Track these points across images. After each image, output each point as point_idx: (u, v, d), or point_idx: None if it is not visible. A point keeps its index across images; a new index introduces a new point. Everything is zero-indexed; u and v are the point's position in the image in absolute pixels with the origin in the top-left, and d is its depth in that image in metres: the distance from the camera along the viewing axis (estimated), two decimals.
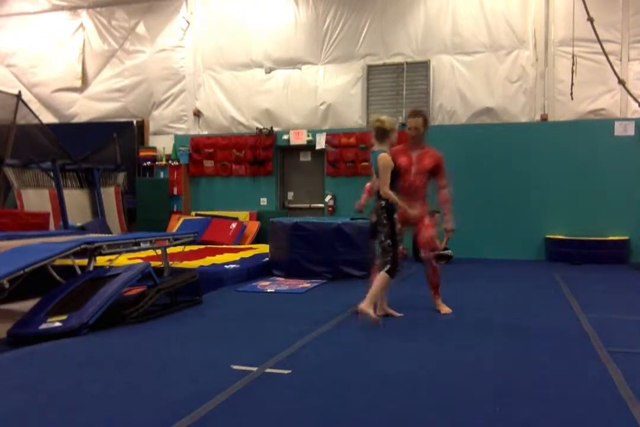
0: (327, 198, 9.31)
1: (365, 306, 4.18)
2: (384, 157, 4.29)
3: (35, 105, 10.07)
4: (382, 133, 4.32)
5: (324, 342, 3.64)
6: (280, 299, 5.21)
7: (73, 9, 10.62)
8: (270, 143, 9.57)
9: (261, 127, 9.59)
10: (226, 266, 6.13)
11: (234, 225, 8.92)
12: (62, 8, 10.67)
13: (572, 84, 7.90)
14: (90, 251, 4.90)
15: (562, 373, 3.00)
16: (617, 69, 7.87)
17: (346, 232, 6.39)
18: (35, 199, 8.17)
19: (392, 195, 4.26)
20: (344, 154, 9.17)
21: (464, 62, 8.82)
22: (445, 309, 4.53)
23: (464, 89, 8.81)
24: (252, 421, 2.38)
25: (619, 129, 8.15)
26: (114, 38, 10.42)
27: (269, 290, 5.65)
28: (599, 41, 7.65)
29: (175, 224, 9.16)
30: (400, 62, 9.06)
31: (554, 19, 8.51)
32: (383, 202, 4.28)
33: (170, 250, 6.14)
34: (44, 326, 3.87)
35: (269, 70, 9.67)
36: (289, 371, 2.99)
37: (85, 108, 10.57)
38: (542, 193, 8.40)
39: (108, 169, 9.51)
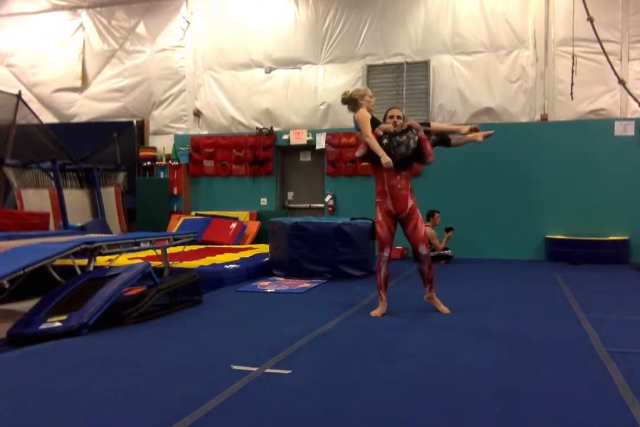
0: (327, 198, 9.31)
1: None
2: (359, 111, 4.55)
3: (35, 105, 10.08)
4: (351, 103, 4.64)
5: (324, 342, 3.64)
6: (280, 299, 5.21)
7: (73, 9, 10.63)
8: (270, 143, 9.57)
9: (261, 127, 9.59)
10: (226, 266, 6.13)
11: (234, 225, 8.93)
12: (62, 8, 10.68)
13: (572, 84, 7.89)
14: (90, 251, 4.90)
15: (562, 373, 3.00)
16: (617, 69, 7.86)
17: (346, 232, 6.39)
18: (35, 199, 8.17)
19: (373, 139, 4.40)
20: (344, 154, 9.17)
21: (464, 62, 8.82)
22: (443, 308, 4.52)
23: (464, 89, 8.81)
24: (252, 421, 2.38)
25: (619, 129, 8.15)
26: (114, 38, 10.43)
27: (268, 290, 5.65)
28: (599, 41, 7.64)
29: (175, 224, 9.16)
30: (400, 62, 9.06)
31: (554, 19, 8.51)
32: None
33: (170, 250, 6.14)
34: (44, 326, 3.86)
35: (269, 70, 9.67)
36: (289, 371, 2.99)
37: (85, 108, 10.57)
38: (542, 193, 8.41)
39: (108, 169, 9.51)
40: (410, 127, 4.49)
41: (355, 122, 4.60)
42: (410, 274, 6.57)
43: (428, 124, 4.69)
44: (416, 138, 4.46)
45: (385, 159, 4.30)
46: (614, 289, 5.89)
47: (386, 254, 4.50)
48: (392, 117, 4.54)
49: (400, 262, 7.85)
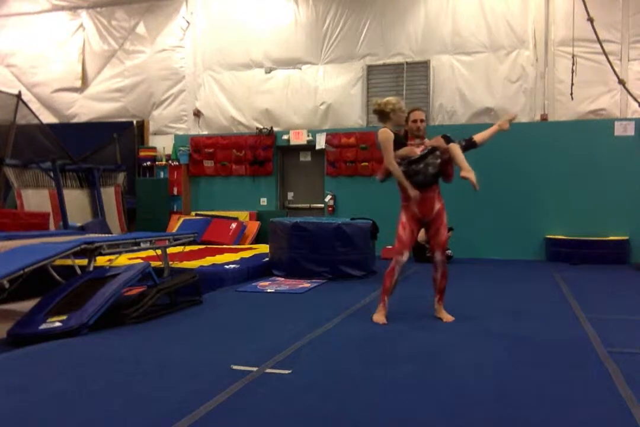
0: (327, 198, 9.31)
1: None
2: (382, 131, 4.27)
3: (35, 105, 10.08)
4: (381, 115, 4.37)
5: (324, 342, 3.64)
6: (280, 299, 5.21)
7: (73, 9, 10.63)
8: (270, 143, 9.57)
9: (261, 127, 9.59)
10: (226, 266, 6.13)
11: (234, 225, 8.93)
12: (62, 8, 10.68)
13: (572, 84, 7.90)
14: (90, 251, 4.90)
15: (562, 373, 3.00)
16: (617, 69, 7.87)
17: (346, 232, 6.39)
18: (35, 199, 8.17)
19: (397, 169, 4.19)
20: (344, 154, 9.18)
21: (464, 62, 8.82)
22: (447, 317, 4.31)
23: (464, 89, 8.81)
24: (252, 421, 2.38)
25: (619, 129, 8.15)
26: (114, 38, 10.43)
27: (268, 290, 5.65)
28: (599, 41, 7.65)
29: (175, 224, 9.16)
30: (400, 62, 9.06)
31: (554, 19, 8.51)
32: None
33: (170, 250, 6.14)
34: (44, 326, 3.86)
35: (269, 70, 9.67)
36: (289, 371, 2.99)
37: (85, 108, 10.57)
38: (542, 193, 8.40)
39: (108, 169, 9.51)
40: (433, 150, 4.23)
41: (378, 142, 4.33)
42: (411, 275, 6.57)
43: (472, 140, 4.38)
44: (437, 162, 4.23)
45: (413, 192, 4.15)
46: (614, 289, 5.89)
47: (404, 258, 4.23)
48: (415, 121, 4.29)
49: None
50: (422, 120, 4.31)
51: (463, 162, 4.16)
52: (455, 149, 4.23)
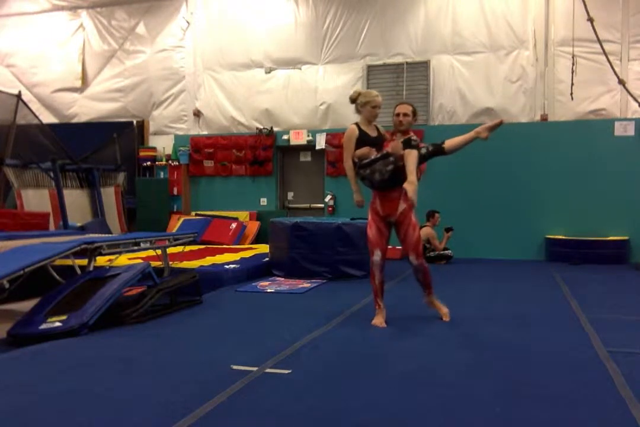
0: (327, 198, 9.31)
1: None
2: (348, 129, 4.21)
3: (35, 105, 10.08)
4: (353, 104, 4.30)
5: (324, 342, 3.64)
6: (280, 299, 5.21)
7: (73, 9, 10.63)
8: (270, 143, 9.58)
9: (261, 127, 9.60)
10: (226, 266, 6.12)
11: (234, 225, 8.93)
12: (62, 8, 10.69)
13: (572, 84, 7.91)
14: (90, 251, 4.90)
15: (562, 373, 3.00)
16: (617, 69, 7.88)
17: (346, 232, 6.39)
18: (35, 199, 8.17)
19: (349, 168, 4.14)
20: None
21: (464, 62, 8.83)
22: (444, 310, 4.30)
23: (464, 89, 8.81)
24: (252, 421, 2.38)
25: (619, 129, 8.16)
26: (114, 38, 10.43)
27: (268, 290, 5.65)
28: (599, 41, 7.66)
29: (175, 224, 9.16)
30: (400, 62, 9.07)
31: (554, 19, 8.51)
32: None
33: (170, 250, 6.14)
34: (44, 326, 3.86)
35: (269, 70, 9.67)
36: (289, 371, 2.99)
37: (85, 108, 10.58)
38: (542, 193, 8.41)
39: (108, 169, 9.51)
40: (386, 155, 3.99)
41: None
42: (410, 275, 6.56)
43: (440, 146, 4.14)
44: (387, 168, 3.97)
45: (356, 197, 4.17)
46: (614, 289, 5.89)
47: (376, 258, 4.12)
48: (398, 114, 4.11)
49: (400, 262, 7.83)
50: (405, 115, 4.10)
51: (410, 172, 3.86)
52: (409, 156, 3.88)
